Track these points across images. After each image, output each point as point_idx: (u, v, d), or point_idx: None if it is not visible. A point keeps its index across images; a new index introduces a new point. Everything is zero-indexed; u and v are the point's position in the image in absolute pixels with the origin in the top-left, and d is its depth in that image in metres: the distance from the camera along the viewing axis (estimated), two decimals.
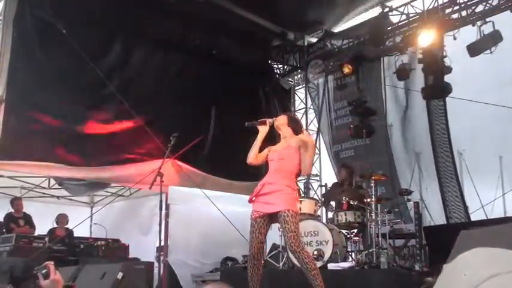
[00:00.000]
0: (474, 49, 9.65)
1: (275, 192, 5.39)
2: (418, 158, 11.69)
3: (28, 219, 10.76)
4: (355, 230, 8.84)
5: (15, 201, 10.86)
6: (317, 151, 13.59)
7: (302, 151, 5.49)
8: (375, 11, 11.43)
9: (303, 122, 13.70)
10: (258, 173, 9.70)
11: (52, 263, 2.98)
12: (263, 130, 5.63)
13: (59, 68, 9.55)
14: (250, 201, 5.61)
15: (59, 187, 11.77)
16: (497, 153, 10.35)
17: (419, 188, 11.55)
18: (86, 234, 12.01)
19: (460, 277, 1.28)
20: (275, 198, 5.38)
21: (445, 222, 10.93)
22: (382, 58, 12.15)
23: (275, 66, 14.05)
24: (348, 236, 8.76)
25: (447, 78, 10.18)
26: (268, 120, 5.66)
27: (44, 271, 2.94)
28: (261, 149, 5.67)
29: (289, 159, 5.50)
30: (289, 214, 5.27)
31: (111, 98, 9.77)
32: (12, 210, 10.75)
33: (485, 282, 1.22)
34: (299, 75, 14.28)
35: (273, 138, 5.93)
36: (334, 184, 9.83)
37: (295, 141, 5.54)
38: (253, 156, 5.60)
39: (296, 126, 5.77)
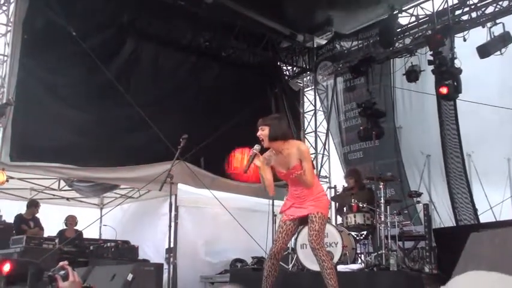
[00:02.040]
0: (484, 51, 9.62)
1: (306, 201, 5.57)
2: (428, 160, 11.66)
3: (37, 222, 10.82)
4: (365, 232, 8.84)
5: (33, 205, 10.89)
6: (326, 153, 13.59)
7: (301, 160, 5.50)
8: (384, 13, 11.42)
9: (312, 123, 13.71)
10: None
11: (67, 262, 2.92)
12: (260, 162, 5.40)
13: (68, 70, 9.61)
14: (282, 211, 5.77)
15: (69, 189, 11.83)
16: (506, 155, 10.31)
17: (429, 190, 11.52)
18: (96, 236, 12.06)
19: None
20: (306, 203, 5.57)
21: (454, 224, 10.90)
22: (391, 60, 12.13)
23: (284, 68, 14.06)
24: (358, 238, 8.76)
25: None
26: (254, 149, 5.39)
27: (63, 272, 2.84)
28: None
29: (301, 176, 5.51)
30: (317, 216, 5.46)
31: (120, 99, 9.80)
32: (22, 212, 10.81)
33: None
34: (308, 77, 14.27)
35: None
36: (344, 189, 9.83)
37: (295, 159, 5.47)
38: (270, 187, 5.52)
39: (284, 134, 5.53)
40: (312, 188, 5.56)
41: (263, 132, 5.46)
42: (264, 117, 5.58)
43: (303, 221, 5.67)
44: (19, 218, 10.67)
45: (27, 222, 10.65)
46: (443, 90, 10.01)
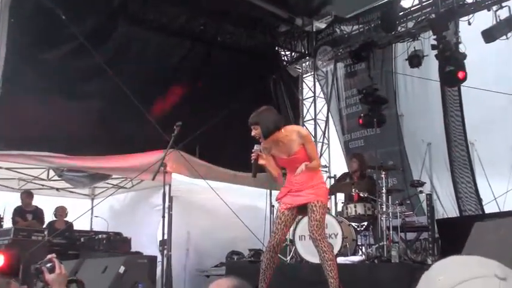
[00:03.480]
0: (489, 35, 9.58)
1: (306, 188, 5.54)
2: (429, 148, 11.67)
3: (38, 214, 10.79)
4: (366, 223, 8.85)
5: (22, 195, 10.89)
6: (326, 141, 13.59)
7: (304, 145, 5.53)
8: None
9: (312, 111, 13.70)
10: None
11: (54, 255, 2.96)
12: (263, 161, 5.49)
13: (57, 56, 9.57)
14: (279, 199, 5.72)
15: (59, 179, 11.82)
16: (510, 144, 10.31)
17: (431, 180, 11.55)
18: (87, 227, 12.06)
19: (435, 282, 1.40)
20: (306, 191, 5.52)
21: (458, 215, 10.93)
22: (393, 44, 12.10)
23: (282, 53, 14.02)
24: (358, 229, 8.77)
25: None
26: (255, 150, 5.45)
27: (49, 265, 2.90)
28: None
29: (304, 159, 5.50)
30: (317, 204, 5.43)
31: (111, 85, 9.76)
32: (12, 203, 10.81)
33: (457, 286, 1.34)
34: (307, 63, 14.24)
35: None
36: (344, 174, 9.82)
37: (297, 144, 5.49)
38: (279, 179, 5.68)
39: (275, 124, 5.49)
40: (311, 173, 5.55)
41: (256, 131, 5.48)
42: (252, 115, 5.53)
43: (301, 210, 5.65)
44: (16, 210, 10.67)
45: (24, 214, 10.63)
46: (460, 74, 9.96)
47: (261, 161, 5.48)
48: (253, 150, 5.47)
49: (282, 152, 5.58)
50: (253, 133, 5.49)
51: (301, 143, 5.48)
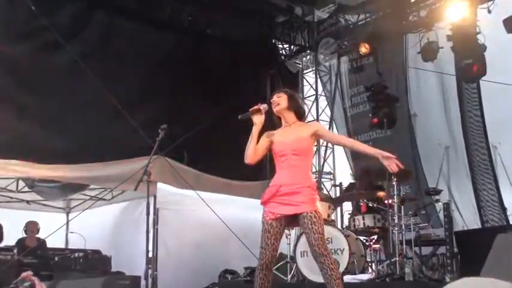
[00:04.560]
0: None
1: (297, 193, 5.37)
2: (446, 152, 11.68)
3: None
4: (375, 237, 8.85)
5: None
6: (330, 145, 13.60)
7: (317, 137, 5.54)
8: None
9: (313, 111, 13.71)
10: (261, 170, 9.76)
11: (31, 272, 2.94)
12: (259, 120, 5.48)
13: (29, 51, 9.55)
14: (263, 203, 5.56)
15: (29, 190, 11.77)
16: None
17: (449, 187, 11.56)
18: (61, 245, 12.00)
19: None
20: (298, 198, 5.35)
21: (480, 226, 10.94)
22: (404, 36, 12.12)
23: (280, 46, 14.04)
24: (367, 243, 8.77)
25: None
26: (263, 106, 5.51)
27: (27, 284, 2.88)
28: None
29: (305, 154, 5.47)
30: (317, 215, 5.27)
31: (89, 84, 9.73)
32: None
33: None
34: (308, 57, 14.27)
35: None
36: (350, 184, 9.84)
37: (306, 131, 5.50)
38: (252, 154, 5.47)
39: (299, 109, 5.69)
40: (304, 171, 5.50)
41: (280, 97, 5.56)
42: (280, 89, 5.73)
43: (290, 220, 5.52)
44: None
45: None
46: (468, 70, 9.99)
47: (255, 118, 5.47)
48: (261, 104, 5.52)
49: (285, 136, 5.51)
50: (274, 98, 5.57)
51: (312, 131, 5.47)
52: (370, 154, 5.49)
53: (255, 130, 5.47)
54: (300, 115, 5.65)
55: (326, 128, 12.96)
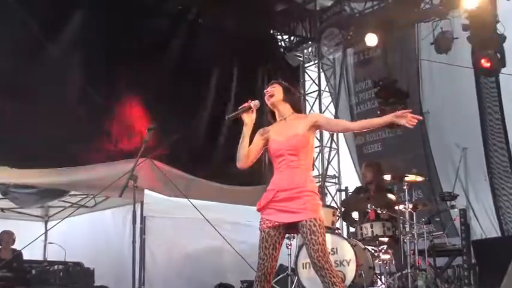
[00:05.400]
0: None
1: (296, 199, 5.33)
2: (464, 154, 11.68)
3: None
4: (385, 246, 8.84)
5: None
6: (334, 146, 13.60)
7: (317, 129, 5.49)
8: None
9: (316, 108, 13.71)
10: (258, 173, 9.75)
11: None
12: (249, 119, 5.40)
13: (9, 42, 9.55)
14: (260, 209, 5.52)
15: (3, 197, 11.76)
16: None
17: (466, 192, 11.56)
18: (39, 257, 12.01)
19: None
20: (296, 204, 5.30)
21: (499, 235, 10.94)
22: (416, 25, 12.13)
23: (279, 37, 14.04)
24: (376, 253, 8.76)
25: None
26: (253, 103, 5.41)
27: None
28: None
29: (304, 153, 5.43)
30: (316, 224, 5.19)
31: (68, 80, 9.71)
32: None
33: None
34: (310, 49, 14.27)
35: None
36: (357, 189, 9.83)
37: (303, 126, 5.45)
38: (244, 157, 5.41)
39: (294, 101, 5.64)
40: (304, 172, 5.46)
41: (275, 89, 5.51)
42: (275, 81, 5.69)
43: (290, 227, 5.49)
44: None
45: None
46: (486, 63, 10.00)
47: (246, 117, 5.38)
48: (251, 101, 5.43)
49: (280, 134, 5.44)
50: (269, 88, 5.52)
51: (310, 125, 5.42)
52: (382, 124, 5.52)
53: (246, 130, 5.40)
54: (296, 107, 5.60)
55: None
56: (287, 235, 5.73)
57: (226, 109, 11.00)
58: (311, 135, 5.42)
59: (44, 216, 13.38)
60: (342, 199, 10.17)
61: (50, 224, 12.94)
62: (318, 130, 5.55)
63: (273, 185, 5.38)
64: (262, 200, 5.38)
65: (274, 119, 5.57)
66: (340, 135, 13.65)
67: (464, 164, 11.70)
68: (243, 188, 11.04)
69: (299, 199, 5.24)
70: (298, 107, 5.64)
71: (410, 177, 8.47)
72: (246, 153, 5.41)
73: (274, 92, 5.48)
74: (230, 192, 11.10)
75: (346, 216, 9.69)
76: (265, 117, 5.70)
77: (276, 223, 5.28)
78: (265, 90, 5.55)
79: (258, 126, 5.43)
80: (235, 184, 11.15)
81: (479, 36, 10.19)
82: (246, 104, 5.40)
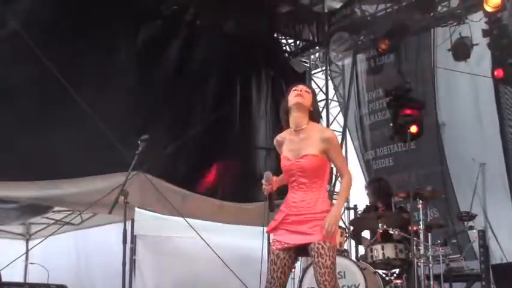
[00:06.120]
0: None
1: (308, 221, 5.35)
2: (482, 170, 11.68)
3: None
4: (397, 270, 8.84)
5: None
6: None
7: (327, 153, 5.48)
8: None
9: (323, 118, 13.71)
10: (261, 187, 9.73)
11: None
12: (271, 188, 5.59)
13: None
14: (270, 231, 5.58)
15: None
16: None
17: (485, 211, 11.53)
18: (20, 278, 11.99)
19: None
20: (307, 226, 5.35)
21: None
22: (432, 30, 12.16)
23: (283, 41, 14.07)
24: (387, 278, 8.76)
25: None
26: (269, 179, 5.58)
27: None
28: None
29: (314, 172, 5.44)
30: (325, 246, 5.22)
31: (48, 82, 9.70)
32: None
33: None
34: (317, 54, 14.30)
35: None
36: (367, 208, 9.83)
37: (314, 145, 5.44)
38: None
39: (314, 114, 5.64)
40: (320, 198, 5.47)
41: (307, 97, 5.52)
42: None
43: (301, 250, 5.52)
44: None
45: None
46: (499, 72, 10.03)
47: (268, 191, 5.54)
48: (263, 181, 5.51)
49: (291, 150, 5.51)
50: (299, 99, 5.47)
51: (321, 148, 5.41)
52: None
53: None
54: (316, 118, 5.64)
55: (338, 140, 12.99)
56: None
57: (226, 119, 11.00)
58: (324, 154, 5.42)
59: (25, 234, 13.37)
60: (351, 219, 10.13)
61: (31, 243, 12.93)
62: None
63: (285, 205, 5.50)
64: (273, 221, 5.49)
65: (287, 126, 5.58)
66: (350, 147, 13.67)
67: (482, 180, 11.70)
68: (244, 205, 11.01)
69: (310, 222, 5.31)
70: (317, 119, 5.69)
71: (425, 195, 8.48)
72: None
73: (305, 96, 5.49)
74: (230, 210, 11.07)
75: (355, 236, 9.70)
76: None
77: (286, 245, 5.34)
78: (295, 88, 5.54)
79: None
80: (234, 200, 11.13)
81: (501, 42, 10.22)
82: (266, 191, 5.56)
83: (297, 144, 5.44)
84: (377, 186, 9.55)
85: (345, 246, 9.06)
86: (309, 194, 5.37)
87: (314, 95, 5.65)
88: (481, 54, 10.97)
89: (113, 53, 10.77)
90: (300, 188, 5.40)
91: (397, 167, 12.45)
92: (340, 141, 13.48)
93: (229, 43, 12.26)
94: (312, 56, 14.42)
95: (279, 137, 5.61)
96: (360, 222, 9.60)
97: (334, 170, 6.10)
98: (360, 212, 10.04)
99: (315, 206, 5.34)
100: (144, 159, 7.86)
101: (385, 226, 8.52)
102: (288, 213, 5.38)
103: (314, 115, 5.58)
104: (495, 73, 10.08)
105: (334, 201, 12.97)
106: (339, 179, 11.72)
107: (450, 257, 9.19)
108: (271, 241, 5.54)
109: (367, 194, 9.66)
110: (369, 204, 9.82)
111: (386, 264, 8.61)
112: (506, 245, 11.26)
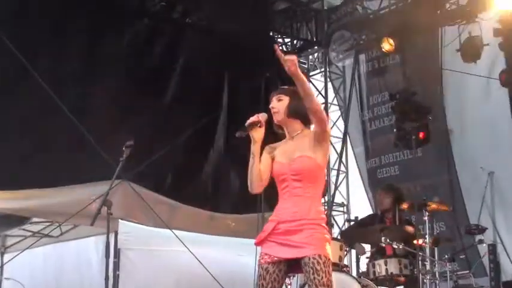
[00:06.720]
0: None
1: (299, 231, 5.28)
2: (490, 180, 11.68)
3: None
4: (402, 287, 8.83)
5: None
6: (343, 169, 13.58)
7: (320, 137, 5.34)
8: None
9: None
10: (255, 197, 9.72)
11: None
12: (258, 136, 5.29)
13: None
14: (259, 243, 5.48)
15: None
16: None
17: (494, 223, 11.53)
18: None
19: None
20: (299, 237, 5.26)
21: None
22: (440, 29, 12.17)
23: (279, 40, 14.08)
24: None
25: None
26: (261, 115, 5.29)
27: None
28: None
29: (311, 180, 5.38)
30: (320, 261, 5.12)
31: (29, 86, 9.69)
32: None
33: None
34: (316, 54, 14.31)
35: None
36: (370, 217, 9.81)
37: (308, 144, 5.35)
38: (257, 179, 5.31)
39: (302, 110, 5.31)
40: (314, 207, 5.40)
41: (280, 102, 5.34)
42: (281, 88, 5.52)
43: (292, 265, 5.45)
44: None
45: None
46: (501, 76, 10.06)
47: (256, 133, 5.25)
48: (259, 114, 5.29)
49: (284, 154, 5.38)
50: (274, 104, 5.34)
51: (313, 137, 5.29)
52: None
53: (256, 148, 5.29)
54: (306, 122, 5.39)
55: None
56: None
57: (217, 123, 11.00)
58: (320, 155, 5.28)
59: (1, 247, 13.34)
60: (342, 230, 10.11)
61: (7, 257, 12.87)
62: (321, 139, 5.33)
63: (275, 214, 5.33)
64: (262, 232, 5.32)
65: (284, 133, 5.45)
66: (350, 157, 13.66)
67: (490, 191, 11.69)
68: (234, 215, 10.99)
69: (301, 232, 5.16)
70: (308, 116, 5.35)
71: (431, 207, 8.47)
72: (259, 173, 5.31)
73: (279, 108, 5.34)
74: (220, 221, 11.06)
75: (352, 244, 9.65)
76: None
77: (276, 258, 5.19)
78: (270, 106, 5.37)
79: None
80: (225, 211, 11.11)
81: None
82: (254, 119, 5.27)
83: (291, 147, 5.34)
84: (396, 194, 9.50)
85: (345, 261, 9.02)
86: (302, 201, 5.22)
87: (292, 93, 5.34)
88: (493, 55, 10.97)
89: (96, 56, 10.78)
90: (292, 193, 5.25)
91: (403, 176, 12.45)
92: (340, 148, 13.50)
93: (220, 42, 12.26)
94: (311, 57, 14.44)
95: (271, 145, 5.46)
96: (358, 235, 9.55)
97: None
98: (361, 221, 9.98)
99: (309, 213, 5.19)
100: (129, 167, 7.83)
101: (388, 240, 8.51)
102: (278, 221, 5.23)
103: (304, 120, 5.37)
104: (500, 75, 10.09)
105: (332, 212, 13.04)
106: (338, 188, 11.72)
107: (458, 273, 9.18)
108: (260, 254, 5.35)
109: (381, 200, 9.59)
110: (375, 213, 9.79)
111: (391, 280, 8.60)
112: None
